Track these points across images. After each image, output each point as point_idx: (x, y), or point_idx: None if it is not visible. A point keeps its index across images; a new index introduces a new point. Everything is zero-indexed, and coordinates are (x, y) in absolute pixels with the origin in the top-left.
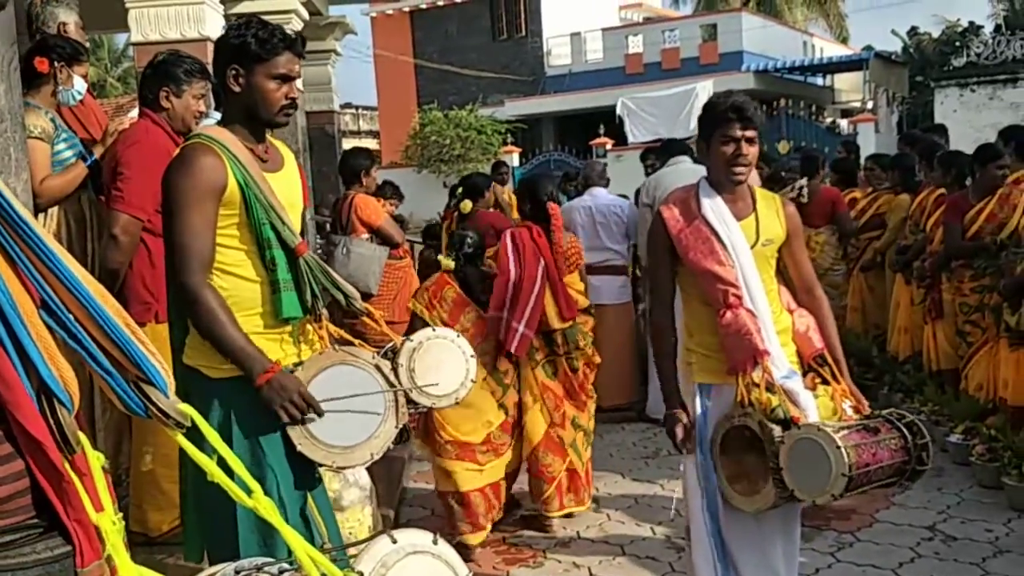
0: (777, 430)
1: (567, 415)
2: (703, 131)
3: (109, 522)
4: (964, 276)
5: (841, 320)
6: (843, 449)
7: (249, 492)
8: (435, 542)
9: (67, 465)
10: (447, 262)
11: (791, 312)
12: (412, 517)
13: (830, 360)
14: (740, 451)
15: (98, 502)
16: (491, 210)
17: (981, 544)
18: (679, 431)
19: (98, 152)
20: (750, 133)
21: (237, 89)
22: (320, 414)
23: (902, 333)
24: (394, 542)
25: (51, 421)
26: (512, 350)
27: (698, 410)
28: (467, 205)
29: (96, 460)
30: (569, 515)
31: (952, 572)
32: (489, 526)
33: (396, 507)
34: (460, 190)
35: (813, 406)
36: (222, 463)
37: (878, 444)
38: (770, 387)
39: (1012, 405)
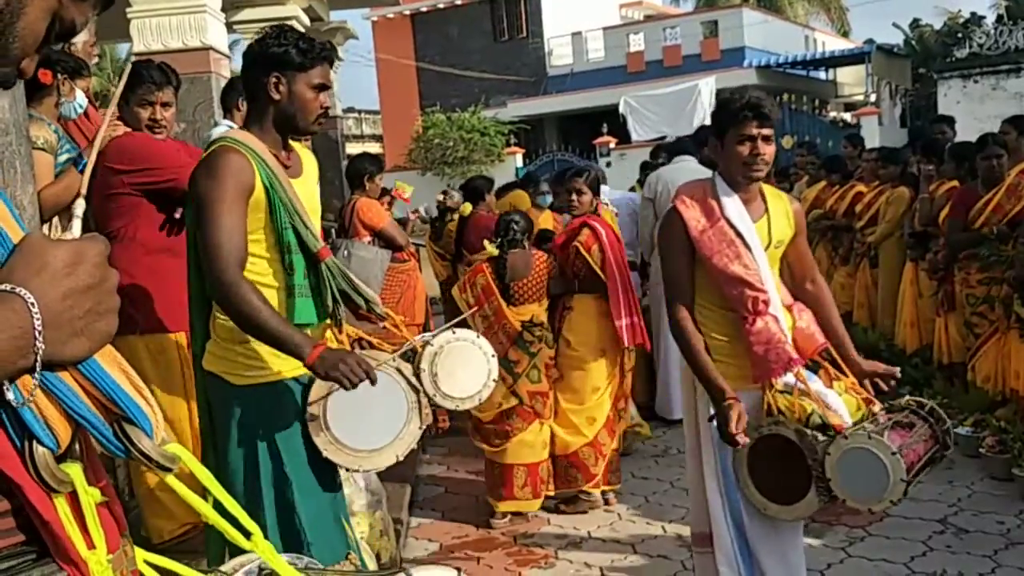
0: (819, 438)
1: (618, 407)
2: (717, 128)
3: (97, 562)
4: (971, 268)
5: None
6: (899, 455)
7: (248, 535)
8: None
9: (57, 503)
10: (491, 249)
11: (788, 308)
12: (423, 520)
13: (835, 354)
14: (769, 459)
15: (89, 540)
16: (489, 213)
17: (993, 536)
18: (734, 418)
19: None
20: (767, 131)
21: (277, 96)
22: (374, 381)
23: (909, 327)
24: None
25: (28, 460)
26: (636, 343)
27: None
28: (467, 207)
29: (88, 495)
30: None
31: (964, 565)
32: (528, 499)
33: (407, 510)
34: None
35: (843, 406)
36: (249, 494)
37: (915, 440)
38: (804, 393)
39: None
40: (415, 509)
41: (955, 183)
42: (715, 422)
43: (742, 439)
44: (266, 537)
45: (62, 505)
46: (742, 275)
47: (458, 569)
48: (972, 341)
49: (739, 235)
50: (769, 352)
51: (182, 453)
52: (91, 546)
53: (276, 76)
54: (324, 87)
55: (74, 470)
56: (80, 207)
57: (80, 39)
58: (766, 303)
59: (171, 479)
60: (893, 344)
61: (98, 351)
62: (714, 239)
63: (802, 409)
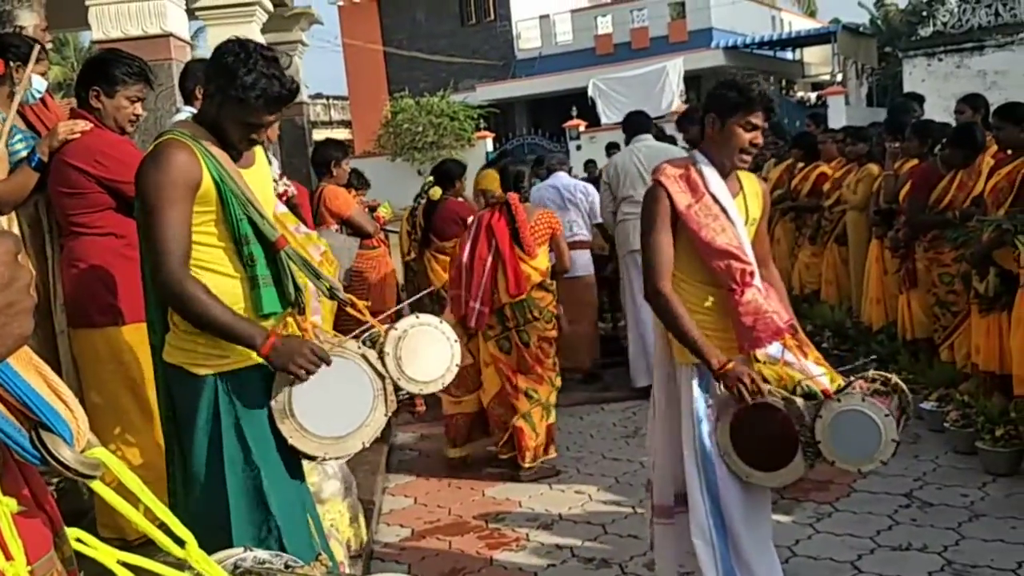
0: (806, 404)
1: (519, 387)
2: (722, 109)
3: (15, 574)
4: (944, 247)
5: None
6: (891, 416)
7: (182, 544)
8: None
9: None
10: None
11: None
12: (395, 507)
13: (801, 332)
14: (750, 430)
15: (7, 551)
16: (459, 199)
17: (957, 509)
18: (747, 379)
19: (43, 149)
20: (764, 124)
21: (211, 111)
22: (329, 363)
23: (875, 303)
24: None
25: None
26: (472, 325)
27: (695, 393)
28: (437, 192)
29: (3, 506)
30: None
31: (929, 538)
32: (467, 447)
33: (380, 496)
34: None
35: (824, 375)
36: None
37: (894, 408)
38: (787, 364)
39: (984, 371)
40: (387, 495)
41: (917, 161)
42: (718, 389)
43: (764, 387)
44: (232, 530)
45: None
46: (729, 248)
47: (408, 564)
48: (949, 319)
49: (723, 210)
50: (758, 322)
51: (107, 459)
52: (9, 557)
53: (210, 90)
54: (261, 126)
55: None
56: None
57: (30, 23)
58: (752, 274)
59: (98, 485)
60: (859, 321)
61: (10, 355)
62: (700, 213)
63: (790, 378)
